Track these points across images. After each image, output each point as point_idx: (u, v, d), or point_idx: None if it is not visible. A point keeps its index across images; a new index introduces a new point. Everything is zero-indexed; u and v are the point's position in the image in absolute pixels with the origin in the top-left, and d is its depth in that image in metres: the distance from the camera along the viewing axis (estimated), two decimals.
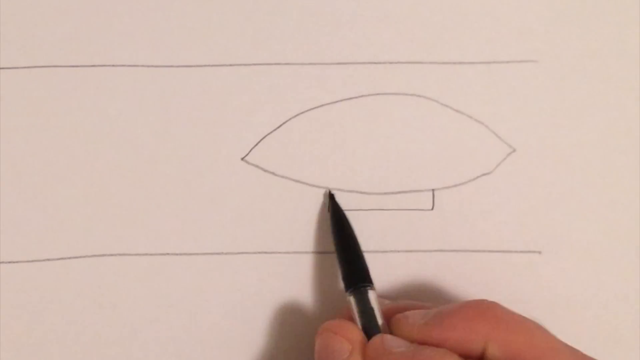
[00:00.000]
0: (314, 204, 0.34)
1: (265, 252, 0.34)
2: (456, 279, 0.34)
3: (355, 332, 0.29)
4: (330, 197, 0.33)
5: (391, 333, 0.29)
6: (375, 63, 0.33)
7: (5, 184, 0.33)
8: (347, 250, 0.32)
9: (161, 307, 0.34)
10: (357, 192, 0.34)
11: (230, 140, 0.33)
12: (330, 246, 0.34)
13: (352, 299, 0.30)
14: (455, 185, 0.34)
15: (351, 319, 0.30)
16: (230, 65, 0.33)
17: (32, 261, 0.33)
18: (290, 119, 0.33)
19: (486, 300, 0.29)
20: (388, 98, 0.33)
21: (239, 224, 0.34)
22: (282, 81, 0.33)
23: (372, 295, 0.30)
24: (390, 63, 0.33)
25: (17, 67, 0.32)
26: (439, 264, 0.34)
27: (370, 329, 0.29)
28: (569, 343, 0.34)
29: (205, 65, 0.33)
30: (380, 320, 0.30)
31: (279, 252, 0.34)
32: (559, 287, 0.34)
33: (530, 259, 0.34)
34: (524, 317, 0.29)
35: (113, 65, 0.33)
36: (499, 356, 0.27)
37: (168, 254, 0.34)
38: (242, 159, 0.33)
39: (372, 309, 0.30)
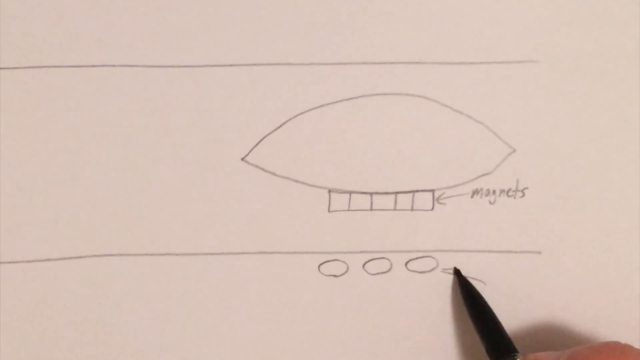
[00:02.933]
0: (314, 204, 0.34)
1: (265, 252, 0.34)
2: (456, 279, 0.34)
3: None
4: (457, 273, 0.34)
5: None
6: (375, 63, 0.33)
7: (5, 184, 0.33)
8: (486, 322, 0.33)
9: (161, 307, 0.34)
10: (356, 192, 0.34)
11: (231, 140, 0.33)
12: (331, 247, 0.34)
13: None
14: (455, 186, 0.34)
15: None
16: (231, 65, 0.33)
17: (32, 261, 0.33)
18: (290, 119, 0.33)
19: (620, 343, 0.29)
20: (388, 98, 0.33)
21: (239, 224, 0.34)
22: (282, 81, 0.33)
23: None
24: (391, 63, 0.33)
25: (17, 67, 0.32)
26: (439, 265, 0.34)
27: None
28: (569, 343, 0.34)
29: (205, 66, 0.33)
30: None
31: (279, 252, 0.34)
32: (559, 287, 0.34)
33: (530, 259, 0.34)
34: None
35: (113, 66, 0.33)
36: None
37: (168, 254, 0.34)
38: (242, 159, 0.33)
39: None
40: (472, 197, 0.34)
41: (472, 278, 0.34)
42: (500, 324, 0.33)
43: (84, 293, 0.33)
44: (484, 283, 0.34)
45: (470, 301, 0.33)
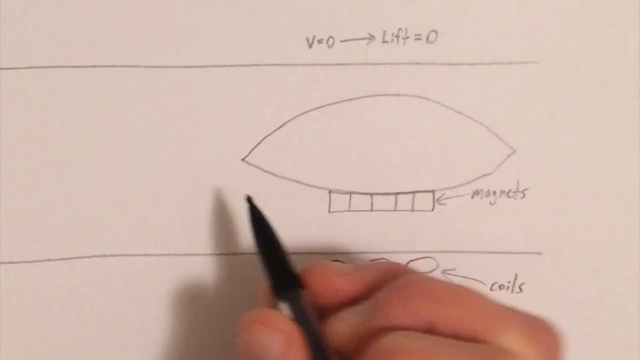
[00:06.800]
0: (314, 204, 0.34)
1: None
2: (456, 280, 0.34)
3: (287, 322, 0.27)
4: (248, 200, 0.31)
5: (328, 338, 0.27)
6: (376, 64, 0.33)
7: (6, 184, 0.33)
8: (271, 254, 0.29)
9: (161, 307, 0.34)
10: (357, 192, 0.34)
11: (231, 140, 0.33)
12: (332, 247, 0.34)
13: (285, 306, 0.28)
14: (456, 186, 0.34)
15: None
16: (231, 65, 0.33)
17: (32, 261, 0.33)
18: (291, 119, 0.33)
19: (414, 276, 0.27)
20: (389, 99, 0.33)
21: (239, 225, 0.34)
22: (282, 82, 0.33)
23: (304, 300, 0.28)
24: (391, 64, 0.33)
25: (17, 68, 0.32)
26: (440, 265, 0.34)
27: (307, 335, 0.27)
28: (569, 343, 0.34)
29: (205, 66, 0.33)
30: (315, 327, 0.27)
31: None
32: (559, 287, 0.35)
33: (531, 259, 0.34)
34: (458, 286, 0.26)
35: (113, 66, 0.33)
36: (446, 332, 0.25)
37: (168, 254, 0.34)
38: (243, 159, 0.33)
39: (307, 315, 0.27)
40: (472, 198, 0.34)
41: (472, 279, 0.34)
42: (289, 258, 0.29)
43: (84, 293, 0.34)
44: (484, 283, 0.34)
45: (257, 230, 0.30)
